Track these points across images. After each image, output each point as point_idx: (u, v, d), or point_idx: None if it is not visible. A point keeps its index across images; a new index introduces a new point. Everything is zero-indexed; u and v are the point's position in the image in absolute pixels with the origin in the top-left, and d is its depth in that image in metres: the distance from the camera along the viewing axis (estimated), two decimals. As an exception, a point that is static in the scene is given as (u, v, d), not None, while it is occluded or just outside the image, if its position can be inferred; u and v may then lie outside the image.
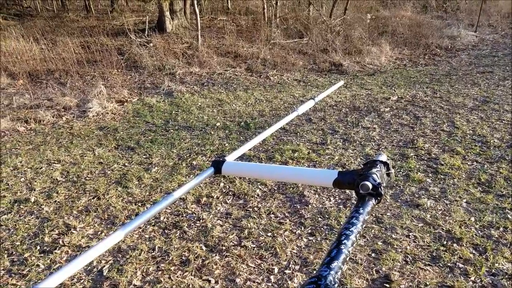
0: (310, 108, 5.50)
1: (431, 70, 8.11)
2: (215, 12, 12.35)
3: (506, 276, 2.34)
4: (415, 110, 5.44)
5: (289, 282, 2.30)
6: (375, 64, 8.65)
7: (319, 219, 2.95)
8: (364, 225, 0.72)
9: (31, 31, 9.66)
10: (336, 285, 0.56)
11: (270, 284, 2.30)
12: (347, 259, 0.63)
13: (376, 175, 0.79)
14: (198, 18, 8.57)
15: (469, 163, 3.81)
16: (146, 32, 9.23)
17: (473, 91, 6.35)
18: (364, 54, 8.99)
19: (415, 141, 4.35)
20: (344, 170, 0.87)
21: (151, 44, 8.65)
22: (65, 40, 8.64)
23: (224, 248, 2.59)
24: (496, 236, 2.72)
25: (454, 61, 8.99)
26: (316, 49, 8.99)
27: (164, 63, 7.83)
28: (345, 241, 0.65)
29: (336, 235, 0.68)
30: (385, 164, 0.85)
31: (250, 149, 4.08)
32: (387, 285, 2.27)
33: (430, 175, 3.59)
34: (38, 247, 2.63)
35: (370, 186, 0.75)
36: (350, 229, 0.68)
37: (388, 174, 0.86)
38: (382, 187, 0.77)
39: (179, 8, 10.23)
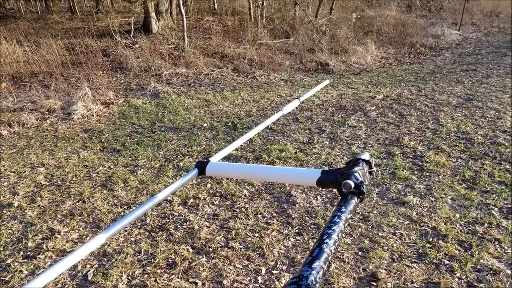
0: (296, 108, 5.52)
1: (416, 69, 8.20)
2: (201, 13, 12.31)
3: (491, 272, 2.37)
4: (400, 109, 5.49)
5: (277, 282, 2.29)
6: (361, 63, 8.71)
7: (306, 218, 2.95)
8: (347, 224, 0.72)
9: (14, 33, 9.50)
10: (317, 285, 0.55)
11: (257, 285, 2.29)
12: (329, 258, 0.62)
13: (359, 173, 0.79)
14: (184, 19, 8.53)
15: (453, 160, 3.85)
16: (132, 33, 9.16)
17: (457, 89, 6.43)
18: (350, 53, 9.05)
19: (401, 139, 4.39)
20: (327, 169, 0.86)
21: (137, 45, 8.58)
22: (49, 42, 8.51)
23: (211, 249, 2.58)
24: (481, 232, 2.75)
25: (438, 60, 9.11)
26: (303, 49, 9.01)
27: (150, 64, 7.77)
28: (327, 240, 0.64)
29: (319, 235, 0.68)
30: (368, 162, 0.85)
31: (237, 150, 4.07)
32: (374, 284, 2.28)
33: (415, 172, 3.62)
34: (22, 252, 2.58)
35: (353, 184, 0.74)
36: (332, 228, 0.67)
37: (370, 173, 0.86)
38: (364, 186, 0.77)
39: (164, 9, 10.16)
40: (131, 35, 9.02)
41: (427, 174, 3.58)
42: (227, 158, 3.96)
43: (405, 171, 3.64)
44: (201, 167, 1.00)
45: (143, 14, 10.26)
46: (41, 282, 0.60)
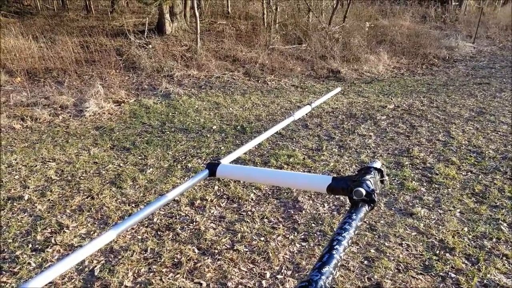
0: (306, 114, 5.52)
1: (428, 80, 8.16)
2: (215, 16, 12.39)
3: (498, 287, 2.34)
4: (411, 119, 5.47)
5: (281, 287, 2.29)
6: (373, 72, 8.69)
7: (313, 225, 2.95)
8: (356, 231, 0.72)
9: (31, 29, 9.65)
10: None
11: (261, 289, 2.29)
12: (339, 264, 0.63)
13: (370, 181, 0.79)
14: (198, 21, 8.60)
15: (463, 173, 3.82)
16: (146, 33, 9.24)
17: (469, 102, 6.39)
18: (362, 62, 9.03)
19: (411, 150, 4.37)
20: (338, 176, 0.87)
21: (150, 46, 8.66)
22: (64, 39, 8.63)
23: (216, 251, 2.59)
24: (489, 246, 2.73)
25: (451, 72, 9.05)
26: (315, 56, 9.02)
27: (163, 65, 7.84)
28: (337, 246, 0.65)
29: (329, 241, 0.68)
30: (379, 171, 0.85)
31: (245, 153, 4.08)
32: (379, 293, 2.27)
33: (424, 184, 3.60)
34: (30, 245, 2.61)
35: (364, 192, 0.75)
36: (342, 235, 0.68)
37: (382, 181, 0.86)
38: (375, 194, 0.77)
39: (179, 10, 10.25)
40: (145, 36, 9.11)
41: (436, 186, 3.56)
42: (235, 161, 3.96)
43: (414, 182, 3.62)
44: (212, 168, 1.01)
45: (157, 15, 10.35)
46: (49, 276, 0.61)
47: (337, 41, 9.78)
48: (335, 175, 0.84)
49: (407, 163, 4.03)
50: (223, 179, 3.55)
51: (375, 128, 5.11)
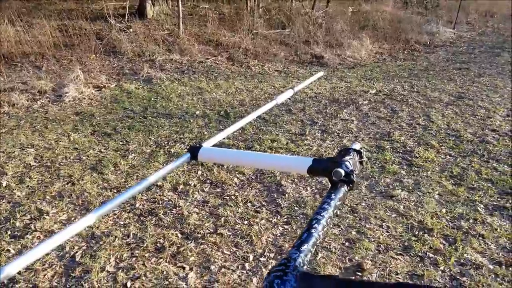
0: (289, 99, 5.53)
1: (409, 65, 8.24)
2: (197, 0, 12.17)
3: (474, 266, 2.42)
4: (392, 104, 5.53)
5: (264, 269, 2.32)
6: (356, 57, 8.72)
7: (295, 208, 2.98)
8: (336, 211, 0.73)
9: (6, 12, 9.32)
10: (305, 267, 0.57)
11: (244, 271, 2.32)
12: (317, 242, 0.64)
13: (349, 162, 0.80)
14: (180, 5, 8.44)
15: (442, 157, 3.90)
16: (126, 17, 9.03)
17: (449, 87, 6.49)
18: (345, 47, 9.05)
19: (391, 133, 4.43)
20: (318, 157, 0.87)
21: (131, 30, 8.48)
22: (42, 23, 8.37)
23: (199, 235, 2.59)
24: (466, 227, 2.81)
25: (432, 57, 9.16)
26: (298, 41, 8.99)
27: (144, 49, 7.69)
28: (316, 225, 0.66)
29: (308, 220, 0.69)
30: (358, 152, 0.86)
31: (229, 138, 4.08)
32: (359, 274, 2.32)
33: (404, 167, 3.67)
34: (9, 232, 2.57)
35: (343, 173, 0.76)
36: (321, 214, 0.69)
37: (361, 162, 0.87)
38: (354, 174, 0.78)
39: (160, -6, 10.03)
40: (126, 19, 8.91)
41: (416, 169, 3.63)
42: (218, 146, 3.95)
43: (394, 165, 3.68)
44: (193, 152, 1.00)
45: (138, -1, 10.12)
46: (27, 260, 0.60)
47: (320, 26, 9.76)
48: (316, 157, 0.85)
49: (388, 146, 4.09)
50: (206, 164, 3.55)
51: (357, 112, 5.15)
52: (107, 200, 2.93)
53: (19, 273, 2.22)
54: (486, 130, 4.56)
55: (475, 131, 4.53)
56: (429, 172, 3.56)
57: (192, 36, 8.67)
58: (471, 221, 2.88)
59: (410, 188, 3.29)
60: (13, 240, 2.50)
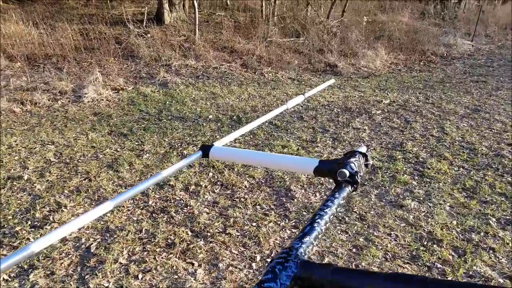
0: (301, 106, 5.59)
1: (425, 77, 8.22)
2: (213, 7, 12.36)
3: (483, 279, 2.42)
4: (406, 114, 5.54)
5: (271, 269, 2.37)
6: (370, 67, 8.74)
7: (304, 213, 3.02)
8: (339, 209, 0.78)
9: (31, 15, 9.62)
10: (306, 256, 0.61)
11: (251, 271, 2.37)
12: (319, 236, 0.68)
13: (354, 164, 0.83)
14: (197, 12, 8.61)
15: (455, 169, 3.89)
16: (145, 23, 9.24)
17: (465, 99, 6.46)
18: (360, 57, 9.08)
19: (404, 144, 4.44)
20: (324, 159, 0.93)
21: (149, 35, 8.67)
22: (64, 26, 8.62)
23: (209, 234, 2.66)
24: (477, 240, 2.79)
25: (448, 69, 9.12)
26: (312, 49, 9.06)
27: (161, 54, 7.86)
28: (318, 220, 0.70)
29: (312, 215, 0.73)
30: (364, 155, 0.89)
31: (240, 143, 4.15)
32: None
33: (416, 177, 3.68)
34: (29, 222, 2.68)
35: (347, 173, 0.79)
36: (325, 211, 0.73)
37: (366, 165, 0.91)
38: (358, 176, 0.81)
39: (178, 1, 10.24)
40: (144, 25, 9.11)
41: (428, 180, 3.63)
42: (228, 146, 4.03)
43: (405, 175, 3.69)
44: (205, 150, 1.05)
45: (156, 5, 10.34)
46: (49, 240, 0.65)
47: (335, 35, 9.82)
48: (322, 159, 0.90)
49: (400, 157, 4.11)
50: (217, 166, 3.62)
51: (369, 122, 5.18)
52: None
53: (38, 259, 2.32)
54: (502, 144, 4.53)
55: (491, 145, 4.51)
56: (441, 184, 3.57)
57: (208, 42, 8.81)
58: (482, 234, 2.87)
59: (421, 198, 3.30)
60: (33, 229, 2.61)
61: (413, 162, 4.01)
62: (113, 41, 8.23)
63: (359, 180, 0.83)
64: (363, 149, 0.92)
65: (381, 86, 7.26)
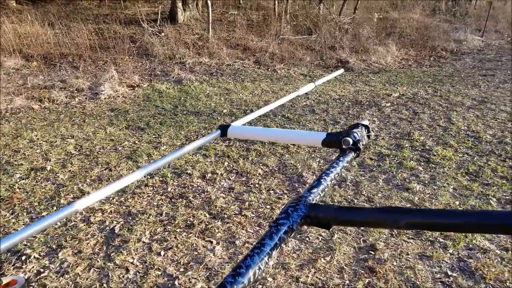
0: (313, 100, 5.72)
1: (434, 71, 8.29)
2: (226, 6, 12.54)
3: (482, 250, 2.55)
4: (414, 107, 5.64)
5: (284, 246, 2.52)
6: (381, 63, 8.83)
7: (315, 197, 3.16)
8: (342, 170, 0.91)
9: (46, 16, 9.91)
10: (313, 201, 0.75)
11: (266, 248, 2.52)
12: (325, 189, 0.82)
13: (357, 133, 0.96)
14: (210, 11, 8.79)
15: (460, 155, 4.00)
16: (158, 22, 9.45)
17: (472, 92, 6.53)
18: (371, 53, 9.17)
19: (412, 133, 4.55)
20: (331, 132, 1.06)
21: (163, 34, 8.88)
22: (79, 26, 8.88)
23: (226, 216, 2.82)
24: (479, 219, 2.91)
25: (458, 64, 9.16)
26: (324, 46, 9.18)
27: (175, 52, 8.06)
28: (325, 177, 0.84)
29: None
30: (366, 127, 1.02)
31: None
32: (372, 252, 2.49)
33: (422, 163, 3.80)
34: (55, 208, 2.87)
35: (351, 141, 0.92)
36: (331, 170, 0.86)
37: (368, 136, 1.05)
38: (361, 144, 0.94)
39: (191, 0, 10.44)
40: (158, 24, 9.32)
41: (433, 165, 3.75)
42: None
43: (412, 161, 3.81)
44: (223, 129, 1.15)
45: (169, 4, 10.56)
46: (83, 204, 0.75)
47: (346, 32, 9.92)
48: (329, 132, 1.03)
49: (407, 145, 4.22)
50: (232, 156, 3.78)
51: (379, 114, 5.29)
52: (141, 184, 3.21)
53: (65, 240, 2.50)
54: (506, 132, 4.62)
55: (495, 133, 4.60)
56: (445, 169, 3.68)
57: (221, 40, 8.99)
58: (484, 214, 2.98)
59: (426, 182, 3.42)
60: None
61: (419, 149, 4.12)
62: (128, 40, 8.46)
63: (361, 148, 0.96)
64: (365, 122, 1.06)
65: (391, 80, 7.35)
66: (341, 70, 2.46)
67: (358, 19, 10.75)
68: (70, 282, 2.15)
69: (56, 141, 4.12)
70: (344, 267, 2.38)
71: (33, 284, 2.13)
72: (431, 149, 4.11)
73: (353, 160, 1.01)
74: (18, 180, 3.26)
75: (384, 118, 5.12)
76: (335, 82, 7.06)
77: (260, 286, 2.18)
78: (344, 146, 0.93)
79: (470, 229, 0.75)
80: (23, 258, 2.35)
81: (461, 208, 3.04)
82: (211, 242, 2.52)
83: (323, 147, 1.17)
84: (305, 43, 9.48)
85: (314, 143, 1.06)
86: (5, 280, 1.84)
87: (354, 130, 0.98)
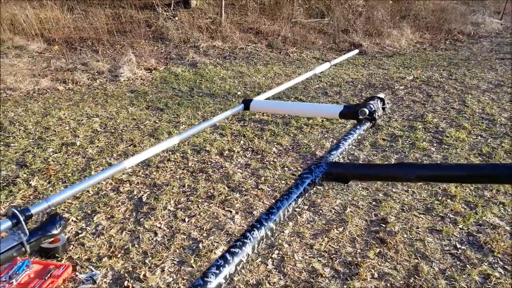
0: (326, 83, 5.80)
1: (450, 55, 8.25)
2: (240, -10, 12.54)
3: (491, 226, 2.66)
4: (428, 89, 5.69)
5: (299, 217, 2.67)
6: (395, 46, 8.81)
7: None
8: (359, 137, 1.01)
9: (65, 1, 10.09)
10: (333, 160, 0.88)
11: (282, 219, 2.68)
12: (344, 153, 0.94)
13: (373, 105, 1.05)
14: (224, -6, 8.84)
15: (473, 137, 4.08)
16: (172, 6, 9.55)
17: (489, 75, 6.52)
18: (385, 36, 9.14)
19: (425, 115, 4.63)
20: (348, 104, 1.16)
21: (177, 18, 8.98)
22: (97, 11, 9.04)
23: (243, 189, 2.99)
24: (488, 196, 3.02)
25: (475, 47, 9.08)
26: (337, 29, 9.18)
27: (189, 36, 8.17)
28: (343, 142, 0.94)
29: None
30: (382, 100, 1.10)
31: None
32: (383, 225, 2.62)
33: (435, 145, 3.89)
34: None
35: (367, 111, 1.00)
36: (348, 136, 0.97)
37: (383, 108, 1.14)
38: (376, 114, 1.03)
39: (205, -16, 10.49)
40: (172, 8, 9.42)
41: (446, 147, 3.84)
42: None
43: (424, 143, 3.91)
44: (246, 103, 1.25)
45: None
46: (130, 163, 0.86)
47: (360, 14, 9.88)
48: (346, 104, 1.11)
49: (420, 127, 4.31)
50: (248, 135, 3.93)
51: (392, 96, 5.36)
52: (164, 159, 3.38)
53: (98, 206, 2.70)
54: (521, 115, 4.67)
55: (510, 116, 4.65)
56: (458, 150, 3.77)
57: (234, 24, 9.06)
58: (494, 191, 3.09)
59: (438, 162, 3.52)
60: (89, 185, 3.00)
61: (432, 131, 4.21)
62: (144, 25, 8.60)
63: (376, 118, 1.07)
64: (381, 95, 1.16)
65: (405, 64, 7.37)
66: (356, 51, 2.56)
67: (372, 2, 10.68)
68: (106, 242, 2.36)
69: (82, 120, 4.32)
70: (356, 237, 2.53)
71: (72, 242, 2.34)
72: (444, 131, 4.19)
73: (368, 129, 1.10)
74: (51, 153, 3.48)
75: (397, 100, 5.19)
76: (348, 66, 7.11)
77: (277, 251, 2.34)
78: (360, 117, 1.01)
79: (474, 180, 0.87)
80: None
81: (473, 186, 3.14)
82: (231, 212, 2.69)
83: (340, 119, 1.28)
84: (318, 26, 9.49)
85: (331, 115, 1.15)
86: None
87: (370, 102, 1.06)
